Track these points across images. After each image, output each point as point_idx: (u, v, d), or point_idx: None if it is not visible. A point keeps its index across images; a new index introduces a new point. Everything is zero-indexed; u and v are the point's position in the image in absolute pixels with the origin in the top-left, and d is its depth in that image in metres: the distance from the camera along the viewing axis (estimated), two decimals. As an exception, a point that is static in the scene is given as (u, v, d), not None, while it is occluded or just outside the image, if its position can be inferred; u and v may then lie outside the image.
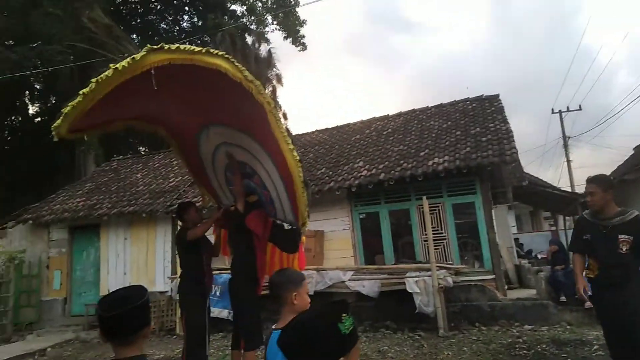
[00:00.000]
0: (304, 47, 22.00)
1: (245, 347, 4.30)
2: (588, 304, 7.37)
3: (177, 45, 3.06)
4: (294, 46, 21.93)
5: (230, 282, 4.60)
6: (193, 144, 4.64)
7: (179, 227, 4.96)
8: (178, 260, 4.90)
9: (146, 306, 1.77)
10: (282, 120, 3.80)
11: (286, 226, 4.63)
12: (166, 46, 2.99)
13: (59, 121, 2.86)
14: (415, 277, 7.84)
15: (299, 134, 14.98)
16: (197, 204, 5.18)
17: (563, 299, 7.75)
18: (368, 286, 8.28)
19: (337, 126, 14.69)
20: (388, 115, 14.01)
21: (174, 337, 9.08)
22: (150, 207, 11.17)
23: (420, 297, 7.65)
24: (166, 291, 10.27)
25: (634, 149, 17.11)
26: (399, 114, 13.70)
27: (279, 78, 4.37)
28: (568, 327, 7.09)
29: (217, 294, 8.66)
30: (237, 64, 3.26)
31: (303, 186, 3.77)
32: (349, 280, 8.46)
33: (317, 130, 14.93)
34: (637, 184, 12.55)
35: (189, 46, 3.13)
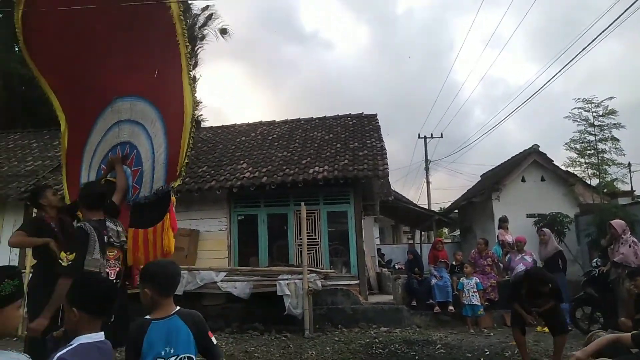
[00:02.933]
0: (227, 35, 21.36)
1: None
2: (437, 309, 8.26)
3: None
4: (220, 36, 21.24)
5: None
6: (89, 119, 4.34)
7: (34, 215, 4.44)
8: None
9: None
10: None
11: (146, 200, 4.24)
12: None
13: None
14: (287, 279, 8.00)
15: (181, 129, 14.38)
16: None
17: (414, 303, 8.54)
18: (240, 288, 8.23)
19: (222, 126, 14.44)
20: (274, 121, 14.16)
21: (15, 339, 8.00)
22: (0, 192, 9.76)
23: (290, 299, 7.82)
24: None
25: (480, 176, 19.62)
26: (285, 122, 13.94)
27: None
28: (417, 329, 7.83)
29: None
30: None
31: (193, 124, 3.67)
32: (221, 281, 8.32)
33: (202, 128, 14.50)
34: (482, 206, 14.38)
35: None
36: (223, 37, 21.26)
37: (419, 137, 27.21)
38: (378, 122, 12.66)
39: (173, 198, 4.01)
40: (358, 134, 11.87)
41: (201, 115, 10.69)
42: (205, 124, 19.13)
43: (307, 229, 8.87)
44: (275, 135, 12.58)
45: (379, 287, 11.45)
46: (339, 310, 8.42)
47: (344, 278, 9.34)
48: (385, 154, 10.18)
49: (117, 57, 4.17)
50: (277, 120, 14.18)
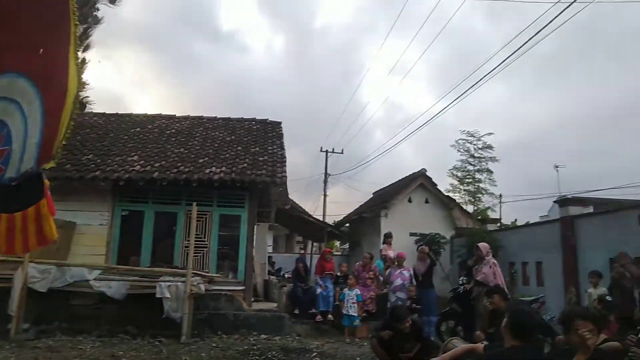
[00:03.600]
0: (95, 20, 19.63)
1: None
2: (319, 317, 8.44)
3: None
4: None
5: None
6: None
7: None
8: None
9: None
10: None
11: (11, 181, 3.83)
12: None
13: None
14: (168, 281, 7.64)
15: (68, 112, 13.15)
16: None
17: (297, 312, 8.65)
18: (115, 288, 7.67)
19: (116, 114, 13.43)
20: (175, 115, 13.54)
21: None
22: None
23: (170, 302, 7.46)
24: None
25: (373, 193, 20.64)
26: (186, 117, 13.40)
27: None
28: (297, 337, 7.90)
29: None
30: None
31: (76, 104, 3.38)
32: (94, 279, 7.69)
33: (92, 113, 13.39)
34: (371, 222, 15.11)
35: None
36: (112, 5, 19.61)
37: (321, 150, 27.91)
38: (281, 130, 12.72)
39: (47, 181, 3.66)
40: (260, 139, 11.81)
41: (87, 97, 9.85)
42: (97, 110, 17.70)
43: (196, 231, 8.58)
44: (173, 130, 12.03)
45: (265, 295, 11.42)
46: (221, 316, 8.21)
47: (230, 283, 9.15)
48: (285, 161, 10.25)
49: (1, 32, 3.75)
50: (177, 115, 13.58)
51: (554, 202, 12.60)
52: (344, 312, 8.30)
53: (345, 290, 8.54)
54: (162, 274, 7.95)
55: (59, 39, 3.49)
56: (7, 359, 5.52)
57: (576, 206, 10.47)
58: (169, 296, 7.50)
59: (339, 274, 9.49)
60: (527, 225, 14.57)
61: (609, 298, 5.93)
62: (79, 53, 3.78)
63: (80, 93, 3.60)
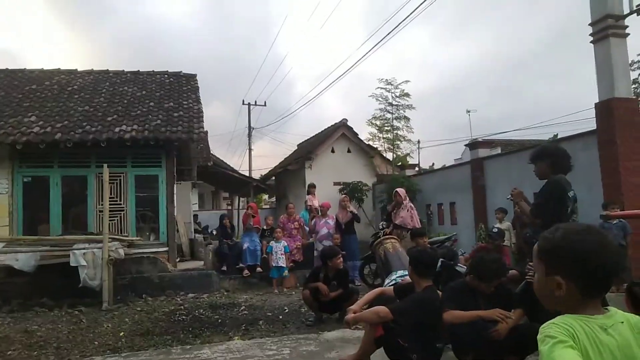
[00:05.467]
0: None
1: None
2: (246, 272, 8.51)
3: None
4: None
5: None
6: None
7: None
8: None
9: None
10: None
11: None
12: None
13: None
14: (83, 249, 7.25)
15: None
16: None
17: (224, 268, 8.64)
18: (23, 260, 7.15)
19: (7, 69, 11.98)
20: (76, 70, 12.34)
21: None
22: None
23: (86, 270, 7.12)
24: None
25: (297, 145, 20.66)
26: (90, 72, 12.28)
27: None
28: (225, 293, 7.96)
29: None
30: None
31: None
32: (-2, 252, 7.09)
33: (-24, 69, 11.81)
34: (297, 174, 15.19)
35: None
36: None
37: (243, 103, 27.21)
38: (197, 83, 12.11)
39: None
40: (174, 93, 11.18)
41: None
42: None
43: (111, 194, 8.17)
44: (76, 87, 10.99)
45: (192, 254, 11.26)
46: (145, 279, 8.03)
47: (152, 245, 8.89)
48: (202, 116, 9.84)
49: None
50: (80, 69, 12.40)
51: (465, 145, 13.38)
52: (273, 264, 8.42)
53: (272, 243, 8.62)
54: (76, 242, 7.51)
55: None
56: None
57: (485, 148, 11.19)
58: (84, 264, 7.14)
59: (265, 227, 9.54)
60: (442, 169, 15.40)
61: (494, 230, 6.66)
62: None
63: None
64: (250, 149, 26.98)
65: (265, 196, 32.45)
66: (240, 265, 8.63)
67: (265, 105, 27.74)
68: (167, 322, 5.84)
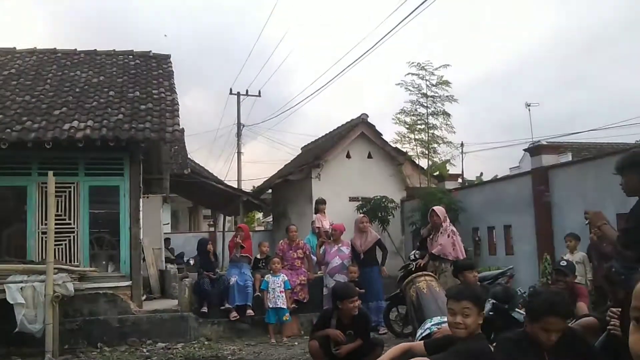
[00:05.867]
0: None
1: None
2: (234, 314, 8.55)
3: None
4: None
5: None
6: None
7: None
8: None
9: None
10: None
11: None
12: None
13: None
14: (20, 282, 7.38)
15: None
16: None
17: (205, 309, 8.68)
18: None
19: None
20: (15, 49, 12.59)
21: None
22: None
23: (24, 309, 7.24)
24: None
25: (301, 148, 20.81)
26: (32, 51, 12.52)
27: None
28: (206, 342, 8.03)
29: None
30: None
31: None
32: None
33: None
34: (300, 185, 15.25)
35: None
36: None
37: (231, 92, 27.40)
38: (171, 67, 12.29)
39: None
40: (141, 79, 11.37)
41: None
42: None
43: (57, 210, 8.38)
44: (13, 70, 11.22)
45: (162, 290, 11.35)
46: (100, 323, 8.20)
47: (111, 279, 9.02)
48: (178, 109, 9.99)
49: None
50: (19, 49, 12.64)
51: (525, 150, 13.32)
52: (269, 304, 8.44)
53: (269, 277, 8.65)
54: (12, 272, 7.63)
55: None
56: None
57: (551, 154, 11.16)
58: (23, 302, 7.25)
59: (258, 256, 9.57)
60: (494, 180, 15.30)
61: (563, 263, 6.52)
62: None
63: None
64: (239, 152, 27.17)
65: (259, 215, 32.67)
66: (226, 305, 8.66)
67: (259, 95, 27.99)
68: (130, 381, 5.88)
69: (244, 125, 28.27)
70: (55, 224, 8.02)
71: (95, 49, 12.86)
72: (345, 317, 5.54)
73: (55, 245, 8.01)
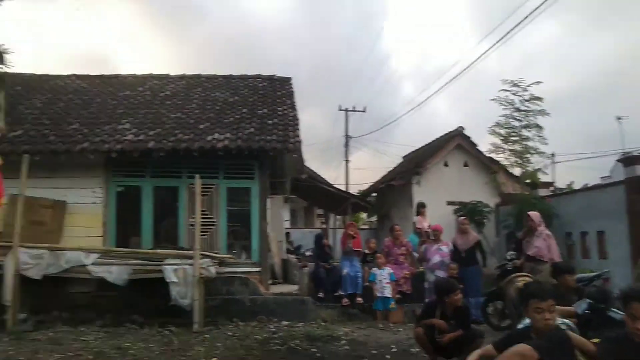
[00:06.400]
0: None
1: None
2: (345, 301, 8.65)
3: None
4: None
5: None
6: None
7: None
8: None
9: None
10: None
11: None
12: None
13: None
14: (174, 264, 7.87)
15: (47, 75, 13.30)
16: None
17: (321, 295, 8.85)
18: (116, 272, 7.93)
19: (102, 75, 13.53)
20: (168, 75, 13.57)
21: None
22: None
23: (177, 287, 7.70)
24: None
25: (403, 157, 20.59)
26: (182, 77, 13.43)
27: None
28: (322, 323, 8.13)
29: None
30: None
31: None
32: (93, 264, 7.96)
33: (74, 75, 13.46)
34: (402, 190, 15.14)
35: None
36: None
37: (340, 109, 27.78)
38: (292, 87, 12.67)
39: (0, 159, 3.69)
40: (268, 99, 11.81)
41: (3, 45, 9.86)
42: (80, 71, 17.83)
43: (202, 207, 8.73)
44: (168, 92, 12.09)
45: (284, 276, 11.67)
46: (236, 301, 8.48)
47: (244, 265, 9.37)
48: (298, 124, 10.27)
49: None
50: (172, 74, 13.61)
51: (617, 160, 12.40)
52: (377, 294, 8.46)
53: (375, 270, 8.67)
54: (167, 256, 8.16)
55: None
56: (6, 353, 5.82)
57: (644, 164, 10.29)
58: (176, 281, 7.73)
59: (367, 251, 9.62)
60: (586, 188, 14.40)
61: None
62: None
63: None
64: (347, 161, 27.46)
65: (364, 215, 32.65)
66: (339, 292, 8.77)
67: (364, 111, 28.18)
68: (261, 352, 6.13)
69: (350, 137, 28.55)
70: (201, 218, 8.48)
71: (231, 74, 13.54)
72: (448, 309, 5.43)
73: (200, 235, 8.45)
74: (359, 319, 8.55)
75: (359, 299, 8.71)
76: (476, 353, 3.77)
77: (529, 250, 7.52)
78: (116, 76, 13.54)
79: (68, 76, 13.41)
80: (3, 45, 9.90)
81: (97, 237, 9.21)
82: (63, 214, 9.13)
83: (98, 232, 9.26)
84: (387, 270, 8.67)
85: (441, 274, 8.36)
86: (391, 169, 20.62)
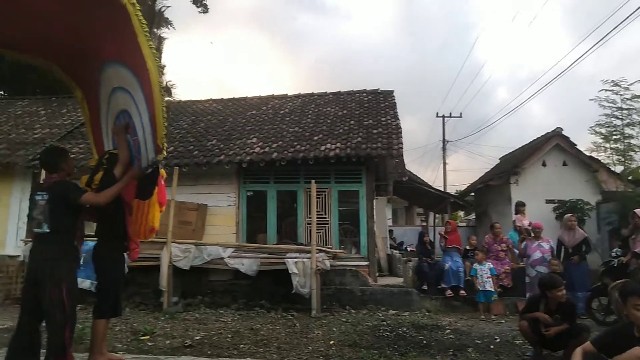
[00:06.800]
0: (205, 9, 21.02)
1: (101, 315, 4.14)
2: (449, 292, 8.32)
3: None
4: (194, 6, 20.85)
5: (95, 250, 4.29)
6: (95, 88, 4.35)
7: (53, 179, 3.78)
8: (46, 217, 3.61)
9: None
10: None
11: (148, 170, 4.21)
12: None
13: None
14: (295, 258, 8.10)
15: (190, 101, 14.40)
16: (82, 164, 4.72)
17: (425, 287, 8.59)
18: (247, 264, 8.35)
19: (233, 98, 14.40)
20: (287, 95, 14.09)
21: (23, 306, 8.24)
22: (8, 159, 9.93)
23: (298, 278, 7.92)
24: (17, 255, 9.31)
25: (500, 158, 19.41)
26: (298, 96, 13.86)
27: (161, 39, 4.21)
28: (427, 313, 7.90)
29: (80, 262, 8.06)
30: None
31: (162, 93, 3.53)
32: (229, 257, 8.44)
33: (211, 100, 14.48)
34: (500, 189, 14.26)
35: None
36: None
37: (437, 116, 26.96)
38: (394, 99, 12.52)
39: (162, 171, 4.00)
40: (373, 110, 11.77)
41: (170, 81, 10.69)
42: (213, 96, 19.12)
43: (317, 208, 8.91)
44: (287, 110, 12.53)
45: (389, 270, 11.54)
46: (347, 291, 8.52)
47: (353, 259, 9.41)
48: (400, 132, 10.10)
49: (91, 22, 3.98)
50: (289, 94, 14.11)
51: None
52: (479, 287, 8.04)
53: (476, 265, 8.24)
54: (289, 251, 8.44)
55: (131, 39, 3.56)
56: (164, 329, 6.36)
57: None
58: (296, 272, 7.96)
59: (467, 247, 9.18)
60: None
61: None
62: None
63: (162, 79, 3.69)
64: (444, 163, 26.54)
65: (461, 213, 31.35)
66: (442, 285, 8.46)
67: (460, 116, 27.07)
68: (372, 337, 6.07)
69: (447, 141, 27.57)
70: (316, 218, 8.63)
71: (340, 90, 13.72)
72: (552, 304, 5.00)
73: (316, 232, 8.65)
74: (461, 310, 8.18)
75: (462, 292, 8.32)
76: (579, 350, 3.44)
77: (635, 247, 6.70)
78: (244, 98, 14.31)
79: (206, 100, 14.44)
80: (170, 81, 10.95)
81: (231, 234, 9.76)
82: (205, 215, 9.81)
83: (232, 230, 9.81)
84: (488, 265, 8.20)
85: (542, 269, 7.72)
86: (488, 169, 19.53)
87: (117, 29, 3.57)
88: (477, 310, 8.01)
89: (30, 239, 8.92)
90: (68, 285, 3.57)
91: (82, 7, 3.56)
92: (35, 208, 3.72)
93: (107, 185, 3.89)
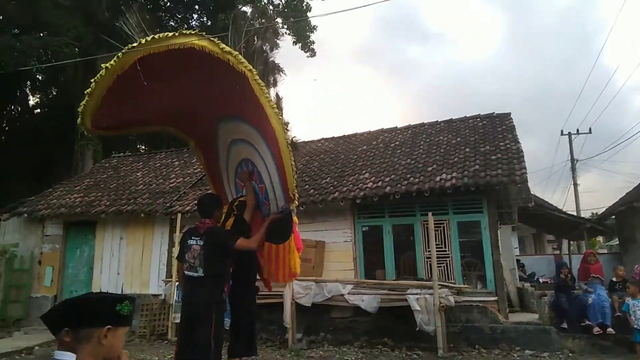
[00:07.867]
0: (313, 53, 22.16)
1: (248, 354, 4.39)
2: (597, 329, 7.43)
3: (152, 35, 3.38)
4: (302, 52, 22.10)
5: (232, 290, 4.62)
6: (211, 139, 4.85)
7: (207, 225, 4.10)
8: (202, 262, 3.92)
9: (90, 305, 1.63)
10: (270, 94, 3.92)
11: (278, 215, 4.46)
12: (142, 40, 3.30)
13: (79, 120, 3.12)
14: (416, 294, 7.89)
15: (304, 142, 15.09)
16: None
17: (564, 325, 7.78)
18: (367, 301, 8.33)
19: (343, 135, 14.80)
20: (396, 127, 14.11)
21: (165, 342, 9.09)
22: (150, 207, 11.23)
23: (421, 315, 7.69)
24: (160, 294, 10.31)
25: (644, 176, 17.19)
26: (408, 127, 13.81)
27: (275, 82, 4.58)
28: (570, 354, 7.13)
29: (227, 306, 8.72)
30: (212, 38, 3.54)
31: (289, 149, 3.73)
32: (348, 293, 8.51)
33: (323, 139, 15.03)
34: (646, 212, 12.61)
35: (163, 33, 3.47)
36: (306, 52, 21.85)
37: (562, 133, 24.84)
38: (512, 122, 11.87)
39: (295, 218, 4.22)
40: (489, 136, 11.27)
41: (295, 137, 11.33)
42: (325, 135, 19.80)
43: (435, 240, 8.65)
44: (397, 142, 12.52)
45: (521, 305, 10.65)
46: (476, 329, 8.05)
47: (479, 294, 8.88)
48: (522, 156, 9.50)
49: (212, 87, 4.36)
50: (399, 126, 14.12)
51: None
52: (635, 325, 7.08)
53: (629, 300, 7.28)
54: (409, 287, 8.25)
55: (252, 100, 3.78)
56: (292, 367, 6.56)
57: None
58: (418, 309, 7.73)
59: (614, 278, 8.18)
60: None
61: None
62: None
63: (287, 135, 3.93)
64: (575, 184, 24.18)
65: (600, 239, 28.10)
66: (587, 322, 7.60)
67: (590, 132, 24.58)
68: (509, 381, 5.64)
69: (577, 160, 25.18)
70: (435, 251, 8.38)
71: (451, 118, 13.39)
72: None
73: (437, 266, 8.39)
74: (612, 351, 7.24)
75: (610, 330, 7.38)
76: None
77: None
78: (354, 135, 14.63)
79: (318, 140, 15.03)
80: (295, 137, 11.80)
81: (349, 270, 9.83)
82: (323, 252, 10.05)
83: (350, 266, 9.89)
84: (643, 300, 7.20)
85: None
86: (630, 189, 17.37)
87: (237, 92, 3.95)
88: (633, 352, 7.02)
89: (169, 279, 9.94)
90: (216, 329, 3.85)
91: (210, 79, 4.01)
92: (188, 252, 4.01)
93: (239, 230, 4.21)
